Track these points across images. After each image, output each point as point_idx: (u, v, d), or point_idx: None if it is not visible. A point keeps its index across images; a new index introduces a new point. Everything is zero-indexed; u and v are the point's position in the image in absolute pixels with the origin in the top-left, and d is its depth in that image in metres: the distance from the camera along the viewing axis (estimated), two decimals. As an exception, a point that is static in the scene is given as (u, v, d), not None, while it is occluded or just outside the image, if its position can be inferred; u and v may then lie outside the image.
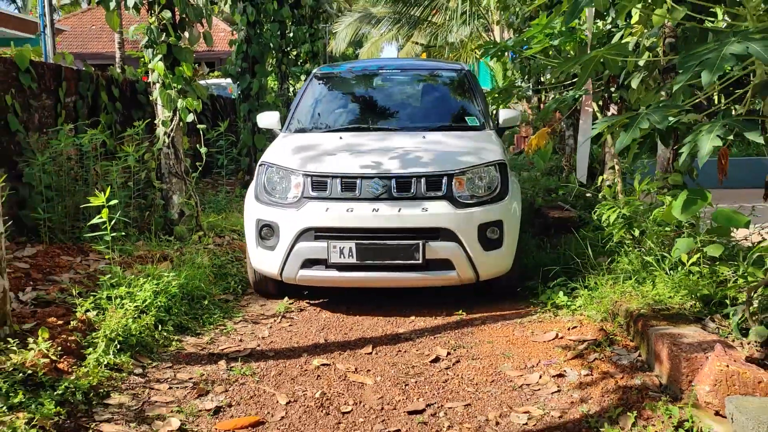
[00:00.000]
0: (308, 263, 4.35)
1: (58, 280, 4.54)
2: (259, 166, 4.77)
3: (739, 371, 2.82)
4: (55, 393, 2.99)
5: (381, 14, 25.75)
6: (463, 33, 20.98)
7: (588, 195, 6.72)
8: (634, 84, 4.96)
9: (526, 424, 3.03)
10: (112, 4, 5.46)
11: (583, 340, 3.87)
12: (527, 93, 8.56)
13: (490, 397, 3.31)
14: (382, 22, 26.02)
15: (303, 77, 12.36)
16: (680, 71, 3.26)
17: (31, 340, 3.29)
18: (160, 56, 5.67)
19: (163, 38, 5.63)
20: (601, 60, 3.72)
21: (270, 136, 6.83)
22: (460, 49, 22.53)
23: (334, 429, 3.00)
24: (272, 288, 4.83)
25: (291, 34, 11.50)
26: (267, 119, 5.56)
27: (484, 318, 4.47)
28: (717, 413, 2.84)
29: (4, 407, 2.80)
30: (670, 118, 3.85)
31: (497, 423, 3.04)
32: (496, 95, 6.88)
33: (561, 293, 4.55)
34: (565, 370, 3.56)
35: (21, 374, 3.02)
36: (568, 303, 4.45)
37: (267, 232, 4.49)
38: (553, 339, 4.00)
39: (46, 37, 13.89)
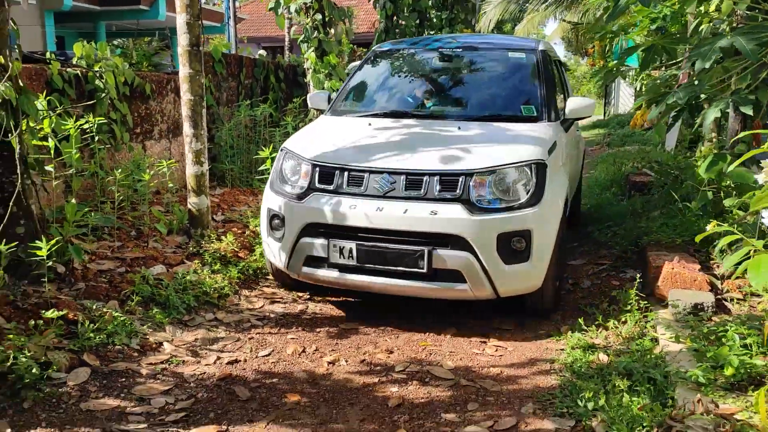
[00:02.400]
0: (311, 260, 4.00)
1: (238, 209, 6.51)
2: (279, 151, 4.46)
3: (680, 272, 4.02)
4: (237, 267, 4.86)
5: (530, -8, 26.24)
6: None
7: (669, 163, 7.65)
8: (698, 66, 5.77)
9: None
10: (280, 10, 7.33)
11: (600, 265, 5.11)
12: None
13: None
14: (530, 1, 26.54)
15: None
16: (688, 60, 4.42)
17: (223, 238, 5.20)
18: (312, 48, 7.48)
19: (314, 35, 7.43)
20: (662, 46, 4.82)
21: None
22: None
23: None
24: (289, 279, 4.47)
25: (430, 21, 12.95)
26: (317, 100, 5.18)
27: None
28: (665, 303, 4.05)
29: (210, 271, 4.69)
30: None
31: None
32: (599, 74, 7.84)
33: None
34: (583, 281, 4.85)
35: (218, 254, 4.92)
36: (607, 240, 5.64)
37: (277, 223, 4.17)
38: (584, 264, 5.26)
39: (230, 27, 16.56)
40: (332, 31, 7.57)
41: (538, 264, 3.79)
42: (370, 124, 4.56)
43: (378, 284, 3.86)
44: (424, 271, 3.70)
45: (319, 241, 3.92)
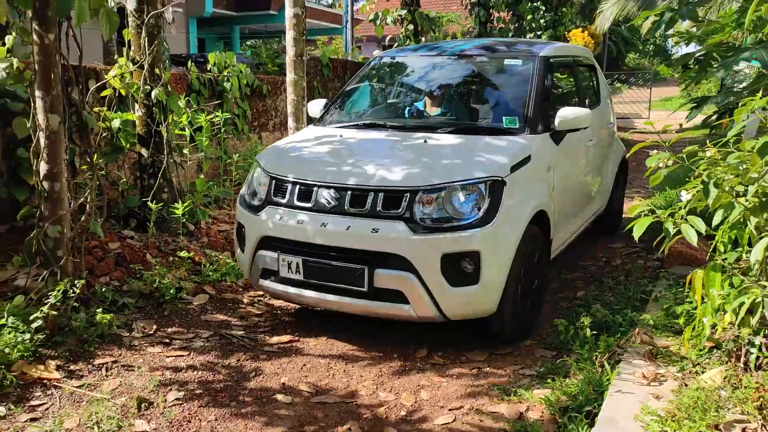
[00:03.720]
0: (266, 273, 3.96)
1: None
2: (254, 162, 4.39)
3: (684, 251, 4.74)
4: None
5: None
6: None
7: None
8: (721, 75, 6.26)
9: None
10: (378, 21, 8.48)
11: (635, 248, 5.82)
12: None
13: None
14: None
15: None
16: (715, 70, 5.12)
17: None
18: (405, 54, 8.56)
19: (407, 42, 8.51)
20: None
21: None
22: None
23: None
24: None
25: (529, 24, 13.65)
26: (314, 108, 5.04)
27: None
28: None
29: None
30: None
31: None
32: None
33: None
34: (615, 259, 5.61)
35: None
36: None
37: (241, 234, 4.12)
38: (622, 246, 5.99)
39: (347, 30, 18.04)
40: (423, 39, 8.61)
41: (489, 287, 3.55)
42: (341, 136, 4.41)
43: (323, 300, 3.76)
44: (365, 289, 3.55)
45: (272, 255, 3.85)
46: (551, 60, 4.77)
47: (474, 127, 4.41)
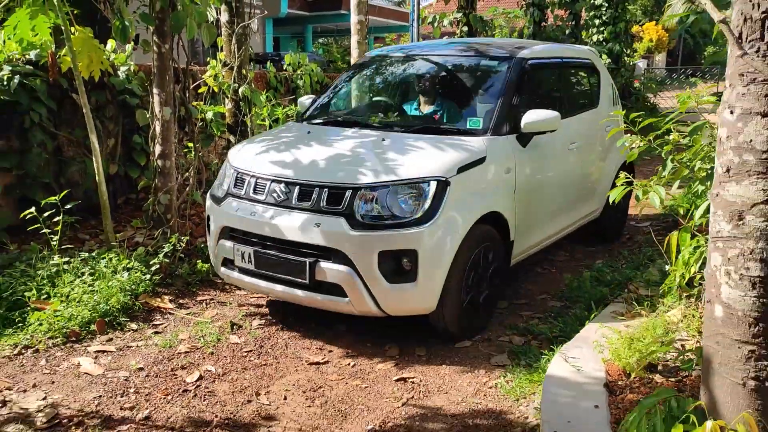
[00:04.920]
0: (226, 261, 4.12)
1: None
2: None
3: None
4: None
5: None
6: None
7: None
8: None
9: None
10: (434, 24, 9.34)
11: (656, 227, 6.48)
12: None
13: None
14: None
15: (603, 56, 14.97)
16: None
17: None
18: (460, 53, 9.39)
19: (462, 43, 9.33)
20: None
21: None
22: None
23: None
24: None
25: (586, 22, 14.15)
26: (302, 103, 5.30)
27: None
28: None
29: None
30: None
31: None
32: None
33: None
34: (637, 236, 6.30)
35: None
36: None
37: (208, 223, 4.34)
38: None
39: (413, 28, 18.93)
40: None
41: (428, 285, 3.62)
42: (309, 133, 4.54)
43: (273, 290, 3.90)
44: (306, 282, 3.67)
45: (230, 244, 4.01)
46: (530, 62, 4.75)
47: (438, 128, 4.43)
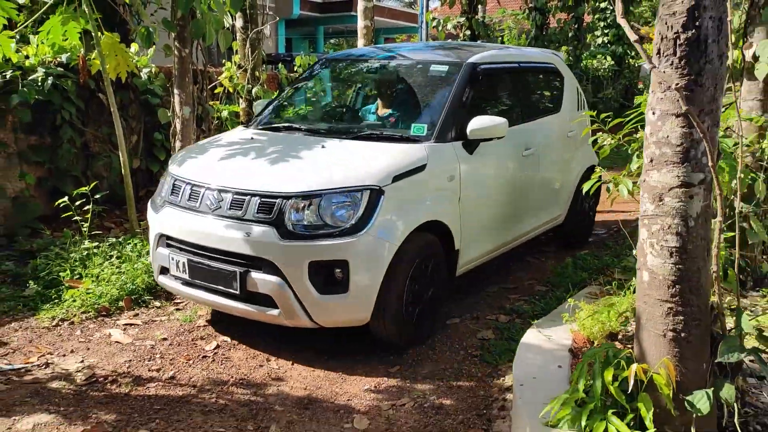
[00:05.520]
0: (163, 270, 4.03)
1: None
2: None
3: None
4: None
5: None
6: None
7: None
8: None
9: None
10: (439, 29, 9.77)
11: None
12: None
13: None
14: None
15: (599, 57, 15.32)
16: None
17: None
18: (463, 56, 9.81)
19: (465, 46, 9.74)
20: None
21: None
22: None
23: None
24: None
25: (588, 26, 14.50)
26: (257, 107, 5.26)
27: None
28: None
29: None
30: None
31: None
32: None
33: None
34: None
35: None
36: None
37: (149, 231, 4.25)
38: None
39: (421, 29, 19.36)
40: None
41: (360, 296, 3.54)
42: (252, 138, 4.42)
43: (207, 300, 3.81)
44: (237, 292, 3.59)
45: (166, 253, 3.93)
46: (481, 67, 4.64)
47: (381, 135, 4.26)
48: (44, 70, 5.72)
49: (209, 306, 4.05)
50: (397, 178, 3.71)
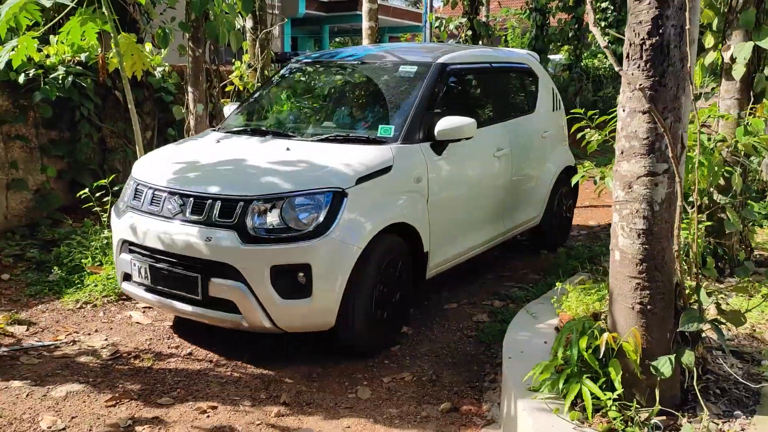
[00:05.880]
0: (126, 276, 3.96)
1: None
2: None
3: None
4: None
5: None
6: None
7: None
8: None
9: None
10: (441, 30, 10.05)
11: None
12: None
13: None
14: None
15: (600, 56, 15.55)
16: None
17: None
18: (465, 55, 10.10)
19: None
20: None
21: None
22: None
23: None
24: None
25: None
26: (227, 110, 5.17)
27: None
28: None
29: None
30: None
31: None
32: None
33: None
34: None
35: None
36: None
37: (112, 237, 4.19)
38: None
39: (425, 28, 19.65)
40: (480, 43, 10.10)
41: (324, 300, 3.50)
42: (218, 142, 4.38)
43: (168, 306, 3.77)
44: (199, 298, 3.55)
45: (128, 258, 3.87)
46: (450, 67, 4.62)
47: (347, 136, 4.19)
48: (64, 69, 6.03)
49: (172, 312, 3.95)
50: (361, 180, 3.68)
